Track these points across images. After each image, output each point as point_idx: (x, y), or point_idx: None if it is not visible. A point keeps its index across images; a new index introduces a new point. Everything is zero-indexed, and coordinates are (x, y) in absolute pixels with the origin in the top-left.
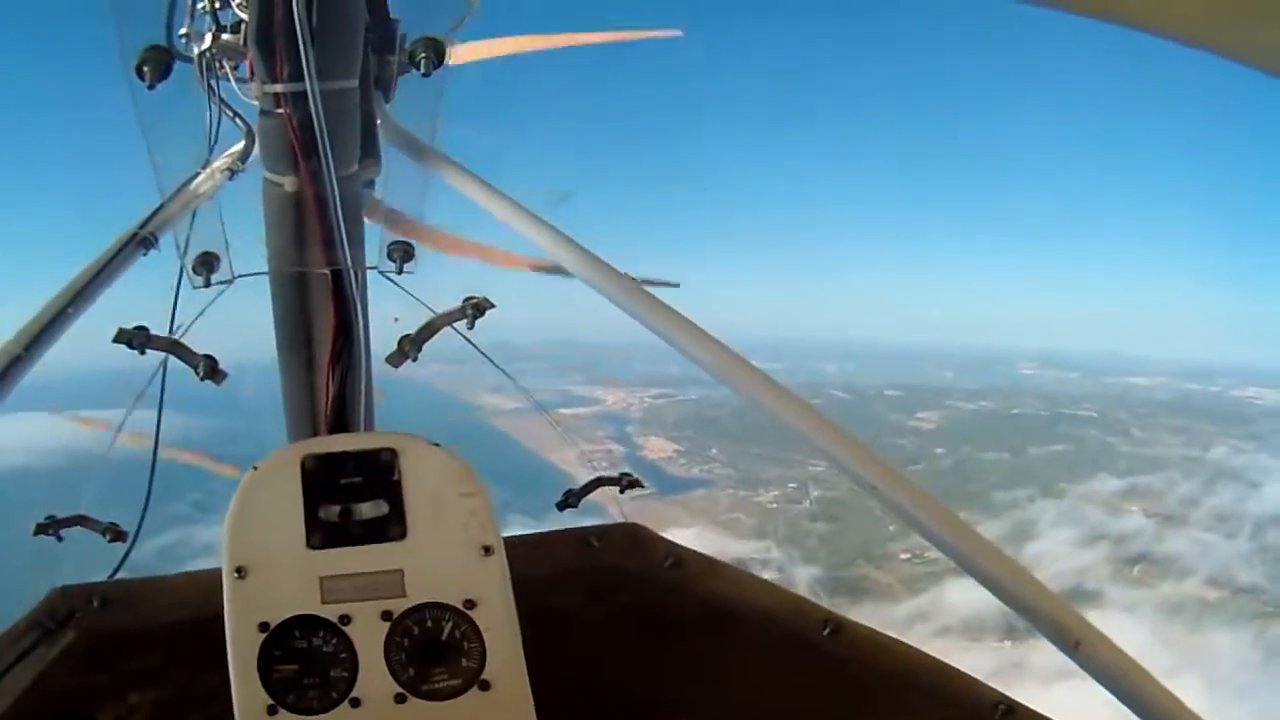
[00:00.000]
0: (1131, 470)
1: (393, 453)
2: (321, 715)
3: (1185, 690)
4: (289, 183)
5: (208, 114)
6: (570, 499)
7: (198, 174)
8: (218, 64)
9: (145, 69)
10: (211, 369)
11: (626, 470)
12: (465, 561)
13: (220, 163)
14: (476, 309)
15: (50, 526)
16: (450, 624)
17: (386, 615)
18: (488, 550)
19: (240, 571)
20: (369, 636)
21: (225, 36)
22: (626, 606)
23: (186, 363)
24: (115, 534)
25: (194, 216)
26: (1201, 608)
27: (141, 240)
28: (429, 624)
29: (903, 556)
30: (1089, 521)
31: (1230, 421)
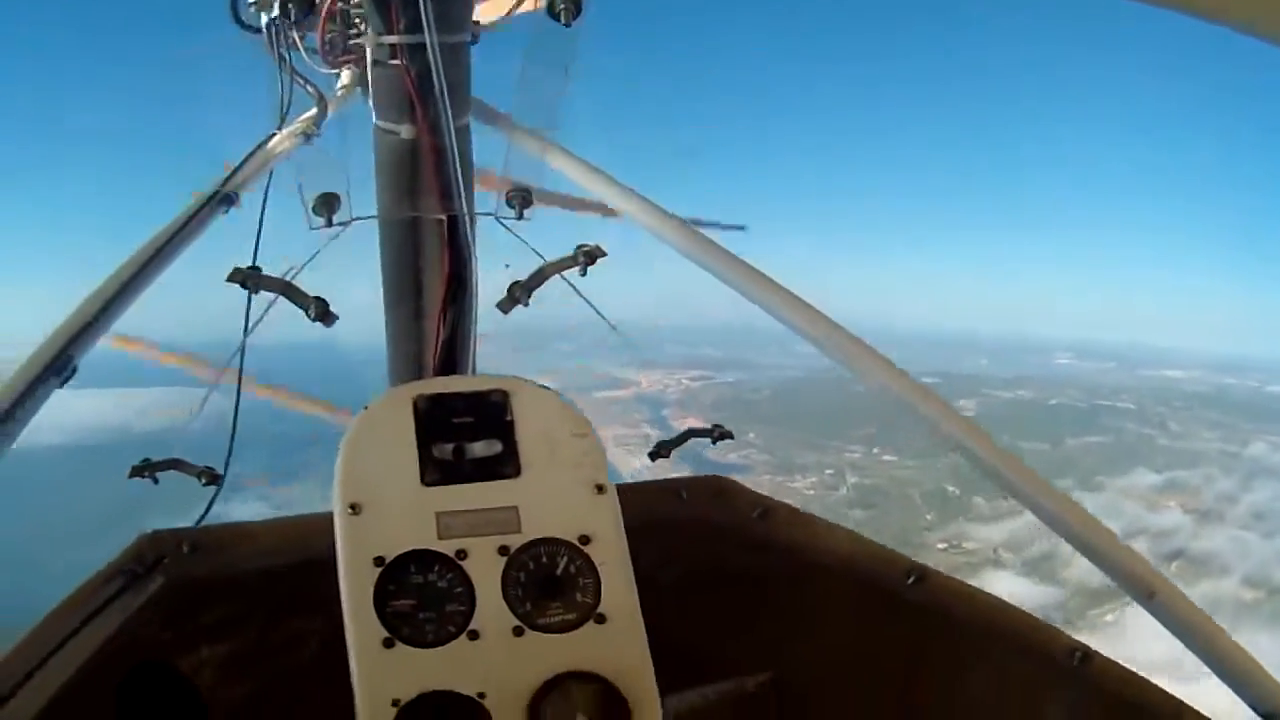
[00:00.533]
0: (1169, 465)
1: (504, 394)
2: (439, 648)
3: (1226, 693)
4: (405, 131)
5: (279, 81)
6: (662, 449)
7: (273, 135)
8: (288, 31)
9: (290, 5)
10: (323, 311)
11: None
12: (579, 499)
13: (296, 126)
14: (589, 257)
15: (146, 469)
16: (566, 559)
17: (503, 550)
18: (601, 489)
19: (354, 508)
20: (486, 571)
21: (292, 4)
22: (714, 557)
23: (297, 304)
24: (210, 478)
25: (271, 176)
26: (1238, 607)
27: (223, 198)
28: (544, 559)
29: (940, 546)
30: (1127, 515)
31: (1268, 418)
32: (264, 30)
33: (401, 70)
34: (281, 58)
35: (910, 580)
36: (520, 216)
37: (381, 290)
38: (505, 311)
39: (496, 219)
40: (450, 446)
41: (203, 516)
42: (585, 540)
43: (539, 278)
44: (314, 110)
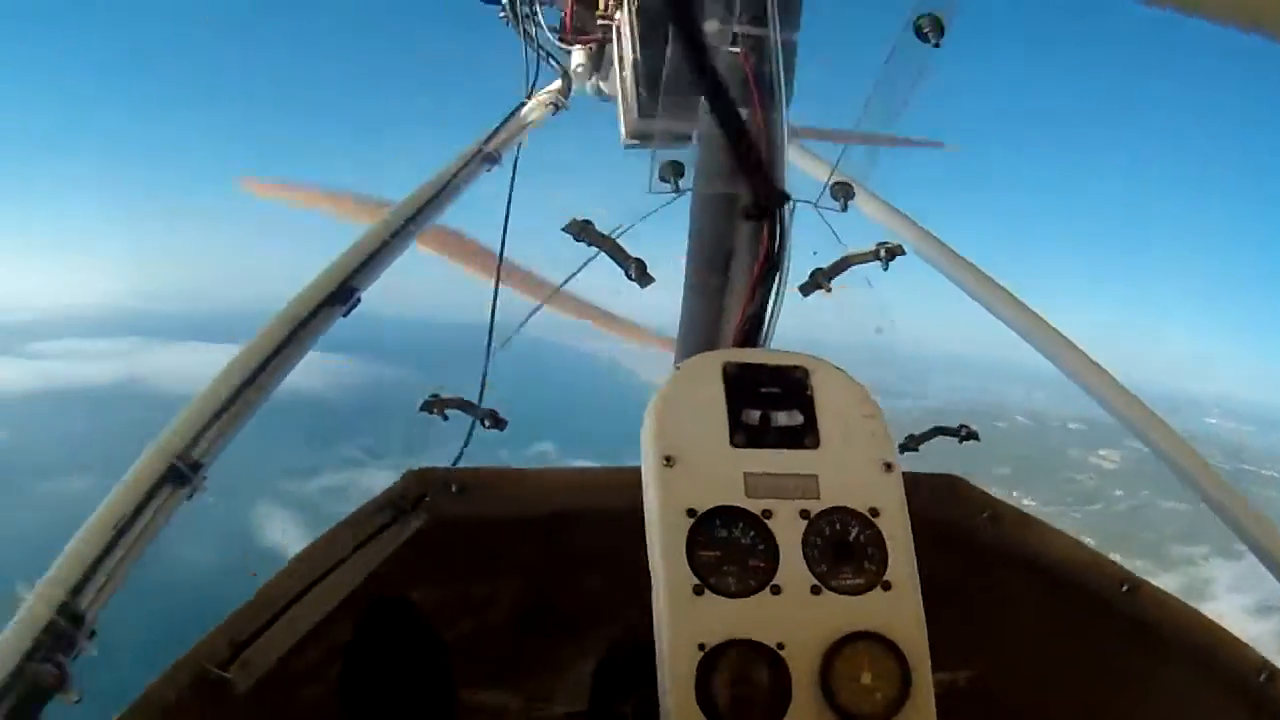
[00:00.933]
0: None
1: (805, 371)
2: (744, 599)
3: None
4: (741, 115)
5: (524, 53)
6: (911, 443)
7: (524, 103)
8: (529, 8)
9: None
10: (641, 271)
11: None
12: (870, 474)
13: (543, 96)
14: (889, 253)
15: (435, 405)
16: (857, 529)
17: (804, 514)
18: (889, 467)
19: (669, 460)
20: (788, 531)
21: None
22: (938, 552)
23: (618, 262)
24: (494, 421)
25: (520, 143)
26: None
27: (486, 156)
28: (838, 526)
29: None
30: (1263, 589)
31: None
32: (506, 6)
33: (742, 58)
34: (527, 33)
35: (1123, 589)
36: (844, 209)
37: (685, 260)
38: (805, 294)
39: (816, 209)
40: (757, 413)
41: (457, 459)
42: (875, 513)
43: (841, 266)
44: (559, 82)
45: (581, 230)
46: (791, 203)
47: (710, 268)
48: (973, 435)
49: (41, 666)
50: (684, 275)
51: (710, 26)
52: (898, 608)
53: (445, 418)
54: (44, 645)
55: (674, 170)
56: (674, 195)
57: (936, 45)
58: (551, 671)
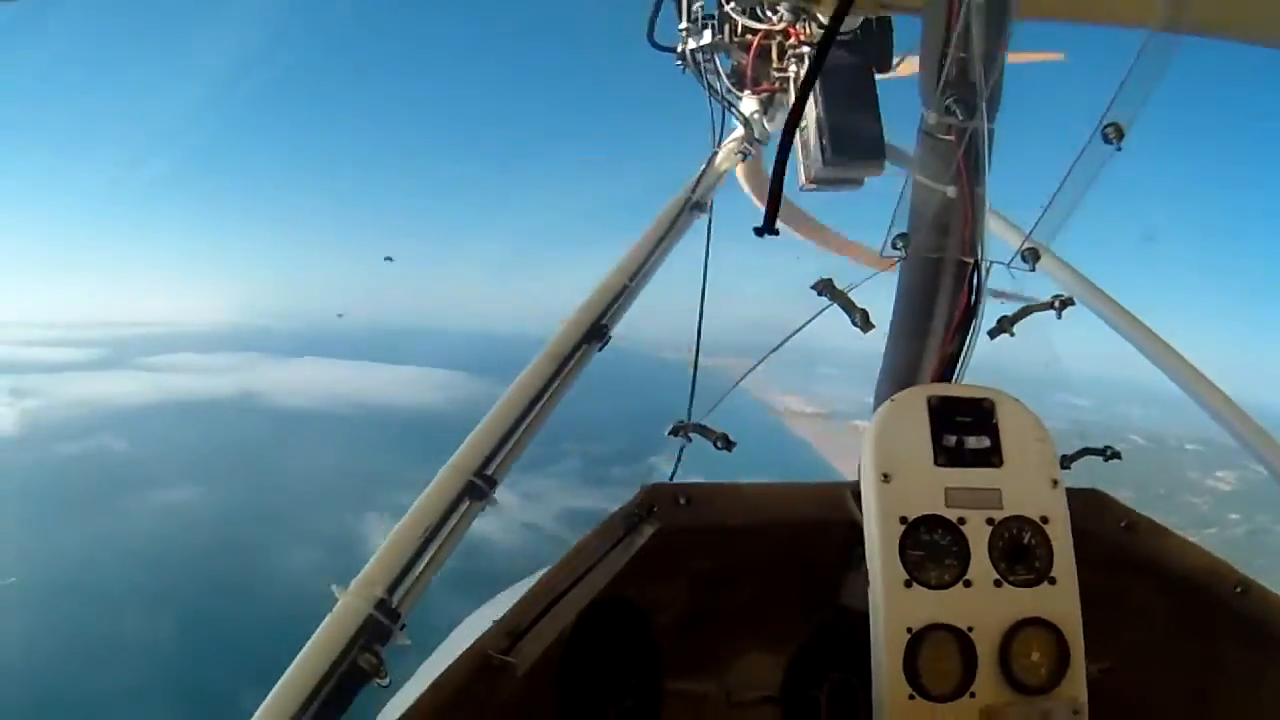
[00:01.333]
0: None
1: (992, 402)
2: (942, 590)
3: None
4: (951, 191)
5: (708, 104)
6: (1064, 462)
7: (716, 152)
8: (707, 60)
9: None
10: (865, 320)
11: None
12: (1041, 489)
13: (731, 144)
14: (1062, 304)
15: (681, 429)
16: (1029, 533)
17: (990, 521)
18: (1055, 483)
19: (886, 477)
20: (977, 535)
21: (719, 37)
22: (1083, 556)
23: (846, 312)
24: (725, 443)
25: (716, 190)
26: None
27: (695, 204)
28: (1015, 531)
29: None
30: None
31: None
32: (685, 56)
33: (953, 145)
34: (712, 87)
35: (1238, 590)
36: (1032, 269)
37: (894, 308)
38: (993, 338)
39: (1008, 269)
40: (954, 438)
41: (673, 473)
42: (1044, 520)
43: (1022, 314)
44: (740, 130)
45: (825, 288)
46: (989, 263)
47: (916, 314)
48: (1116, 455)
49: (363, 655)
50: (890, 319)
51: (930, 118)
52: (1060, 598)
53: (689, 440)
54: (362, 636)
55: (903, 241)
56: (901, 258)
57: (1118, 149)
58: (744, 661)
